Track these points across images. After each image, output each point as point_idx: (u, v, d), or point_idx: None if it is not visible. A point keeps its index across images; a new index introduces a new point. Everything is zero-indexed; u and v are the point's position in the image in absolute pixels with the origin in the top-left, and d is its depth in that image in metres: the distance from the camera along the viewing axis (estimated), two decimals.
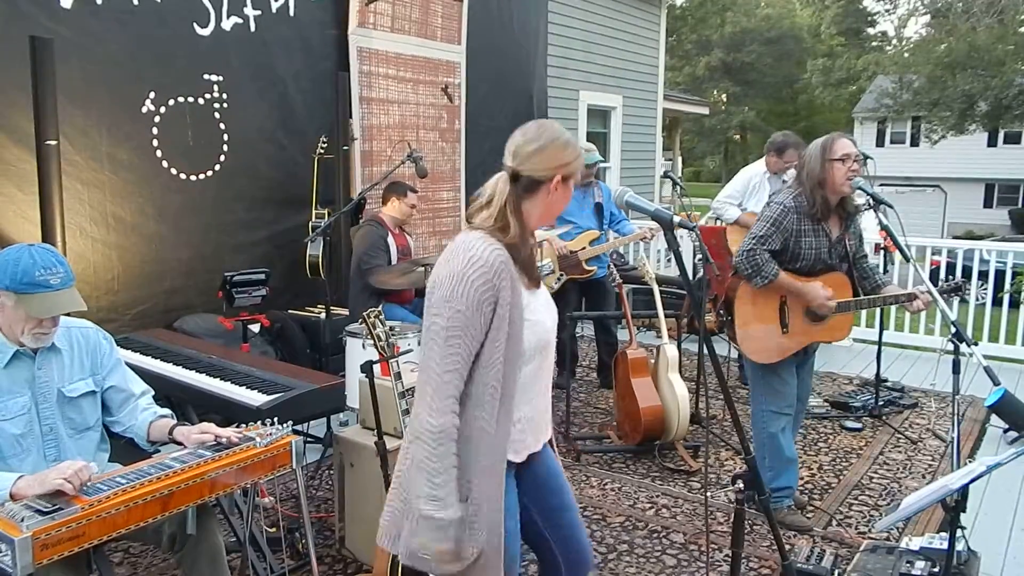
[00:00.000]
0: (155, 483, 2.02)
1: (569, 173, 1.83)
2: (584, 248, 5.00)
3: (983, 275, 6.49)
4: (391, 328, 2.70)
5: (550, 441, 2.06)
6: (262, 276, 3.96)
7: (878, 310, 5.22)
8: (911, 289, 3.36)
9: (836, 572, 2.84)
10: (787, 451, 3.41)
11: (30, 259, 2.12)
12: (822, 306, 3.21)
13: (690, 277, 2.08)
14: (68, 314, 2.29)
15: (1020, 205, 26.49)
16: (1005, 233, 23.07)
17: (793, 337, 3.31)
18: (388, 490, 2.60)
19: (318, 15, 5.28)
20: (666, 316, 4.50)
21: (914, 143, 26.97)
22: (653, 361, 4.33)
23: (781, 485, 3.42)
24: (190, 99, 4.58)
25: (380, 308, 2.68)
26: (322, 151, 5.14)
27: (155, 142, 4.43)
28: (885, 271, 5.48)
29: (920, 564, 2.68)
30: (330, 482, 3.67)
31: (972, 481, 2.06)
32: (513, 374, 1.77)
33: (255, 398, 2.78)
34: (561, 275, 5.02)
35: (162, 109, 4.45)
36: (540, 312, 1.86)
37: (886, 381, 5.35)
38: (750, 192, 5.19)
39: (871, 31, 39.42)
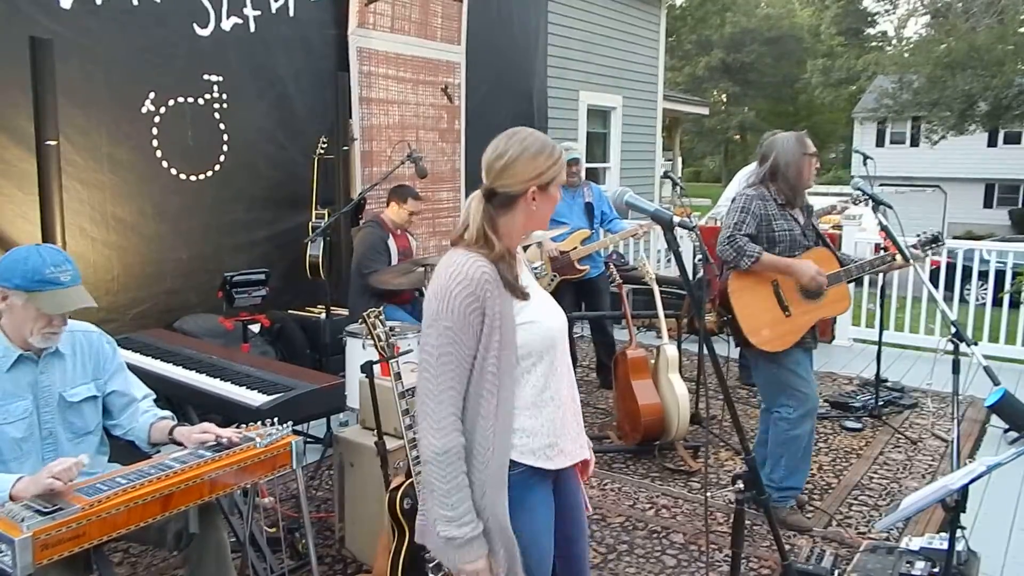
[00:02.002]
0: (155, 483, 2.02)
1: (546, 181, 1.73)
2: (575, 248, 5.00)
3: (983, 275, 6.49)
4: (391, 328, 2.70)
5: (584, 468, 2.00)
6: (262, 276, 3.95)
7: (878, 310, 5.23)
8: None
9: (836, 572, 2.84)
10: (808, 451, 3.42)
11: (39, 257, 2.13)
12: (813, 279, 3.22)
13: (690, 277, 2.08)
14: (72, 316, 2.28)
15: (1020, 205, 26.47)
16: (1005, 233, 23.04)
17: (797, 318, 3.28)
18: (388, 490, 2.61)
19: (318, 15, 5.29)
20: (666, 316, 4.50)
21: (914, 143, 26.96)
22: (653, 361, 4.32)
23: (791, 485, 3.42)
24: (190, 99, 4.58)
25: (380, 308, 2.68)
26: (322, 151, 5.14)
27: (155, 142, 4.44)
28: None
29: (920, 564, 2.68)
30: (330, 482, 3.67)
31: (972, 481, 2.05)
32: (510, 384, 1.72)
33: (255, 398, 2.78)
34: (554, 276, 5.01)
35: (162, 109, 4.45)
36: (537, 313, 1.77)
37: (886, 381, 5.35)
38: None
39: (871, 31, 39.38)
